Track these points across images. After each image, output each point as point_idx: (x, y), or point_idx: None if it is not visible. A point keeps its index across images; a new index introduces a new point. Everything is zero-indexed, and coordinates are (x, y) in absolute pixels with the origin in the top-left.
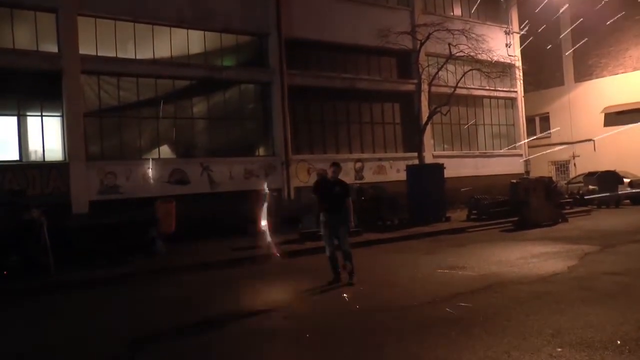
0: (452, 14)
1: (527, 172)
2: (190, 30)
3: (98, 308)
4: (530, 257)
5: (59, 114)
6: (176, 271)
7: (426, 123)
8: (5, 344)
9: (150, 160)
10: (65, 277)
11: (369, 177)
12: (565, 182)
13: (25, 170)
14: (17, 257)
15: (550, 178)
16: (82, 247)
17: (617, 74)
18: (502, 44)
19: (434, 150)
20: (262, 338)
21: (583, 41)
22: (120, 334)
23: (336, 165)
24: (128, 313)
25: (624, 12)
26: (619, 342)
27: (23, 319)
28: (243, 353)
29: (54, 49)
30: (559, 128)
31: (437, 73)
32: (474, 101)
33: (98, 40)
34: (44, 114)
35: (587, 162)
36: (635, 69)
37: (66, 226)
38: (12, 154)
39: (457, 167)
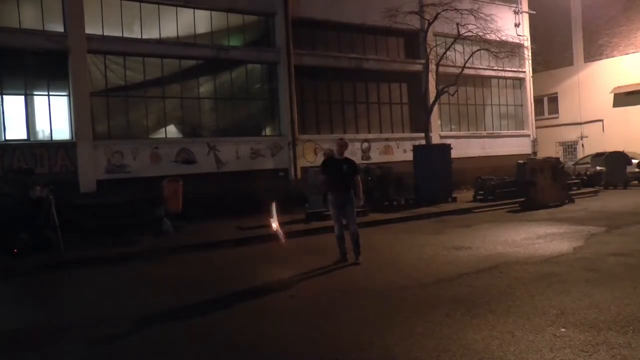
0: None
1: (535, 153)
2: (196, 10)
3: (104, 286)
4: (536, 237)
5: (65, 94)
6: (183, 250)
7: (433, 103)
8: (8, 320)
9: (157, 139)
10: (73, 255)
11: (376, 157)
12: (573, 162)
13: (33, 149)
14: (26, 234)
15: (558, 159)
16: (90, 226)
17: (628, 53)
18: (511, 24)
19: (441, 131)
20: (269, 317)
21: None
22: (126, 313)
23: (342, 142)
24: (134, 292)
25: None
26: (623, 322)
27: (28, 296)
28: (248, 333)
29: (60, 28)
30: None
31: (444, 53)
32: (482, 81)
33: (104, 19)
34: (50, 93)
35: (595, 143)
36: None
37: (74, 204)
38: (20, 133)
39: (464, 148)
